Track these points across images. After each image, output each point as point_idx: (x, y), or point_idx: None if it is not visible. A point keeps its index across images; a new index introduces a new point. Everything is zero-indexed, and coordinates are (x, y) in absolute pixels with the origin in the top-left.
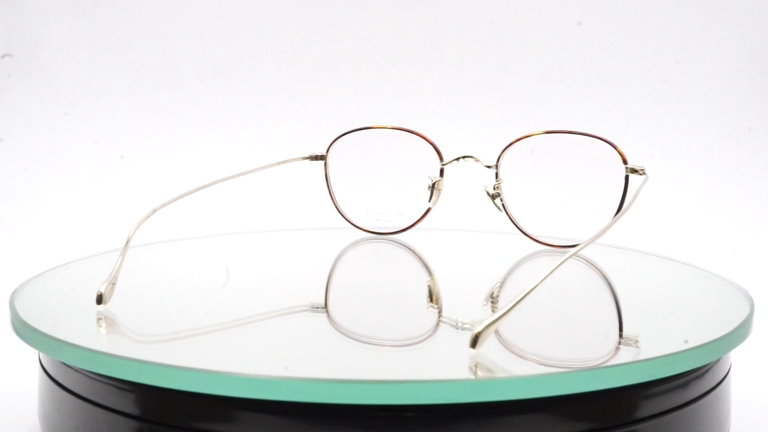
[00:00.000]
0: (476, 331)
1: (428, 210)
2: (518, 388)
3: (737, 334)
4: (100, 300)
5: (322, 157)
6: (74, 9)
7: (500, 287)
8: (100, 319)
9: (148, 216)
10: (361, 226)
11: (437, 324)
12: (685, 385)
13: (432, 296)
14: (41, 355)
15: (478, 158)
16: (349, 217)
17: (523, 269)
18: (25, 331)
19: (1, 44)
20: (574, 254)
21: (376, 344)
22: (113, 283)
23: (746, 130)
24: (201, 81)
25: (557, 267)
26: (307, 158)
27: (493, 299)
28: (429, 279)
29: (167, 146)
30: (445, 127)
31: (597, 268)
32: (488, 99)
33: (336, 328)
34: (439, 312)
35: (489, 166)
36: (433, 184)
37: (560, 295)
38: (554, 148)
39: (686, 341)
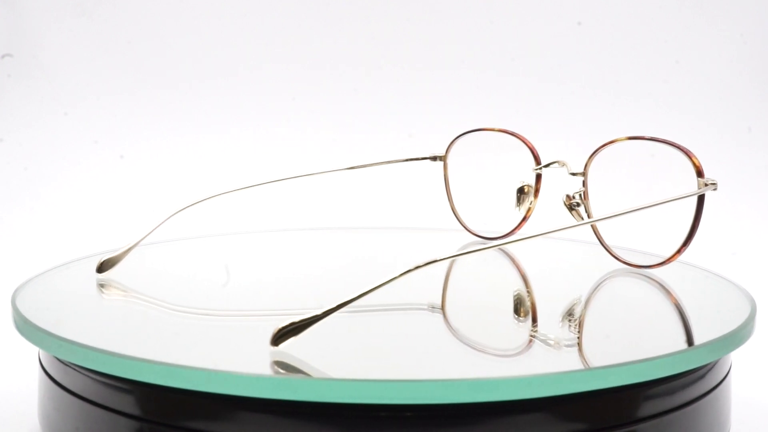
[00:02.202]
0: (278, 327)
1: (525, 217)
2: (518, 388)
3: (738, 335)
4: (101, 268)
5: (442, 158)
6: (74, 9)
7: (581, 305)
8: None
9: (208, 198)
10: (472, 230)
11: (530, 341)
12: (685, 385)
13: (520, 309)
14: (41, 354)
15: (565, 163)
16: (464, 220)
17: (604, 285)
18: (27, 329)
19: (1, 44)
20: (459, 255)
21: (480, 350)
22: (127, 250)
23: (746, 130)
24: (201, 81)
25: (393, 279)
26: (428, 158)
27: (570, 317)
28: (517, 291)
29: (167, 146)
30: (445, 127)
31: (598, 268)
32: (488, 99)
33: (451, 331)
34: (533, 326)
35: (574, 174)
36: (521, 189)
37: (559, 296)
38: (634, 155)
39: (686, 341)
